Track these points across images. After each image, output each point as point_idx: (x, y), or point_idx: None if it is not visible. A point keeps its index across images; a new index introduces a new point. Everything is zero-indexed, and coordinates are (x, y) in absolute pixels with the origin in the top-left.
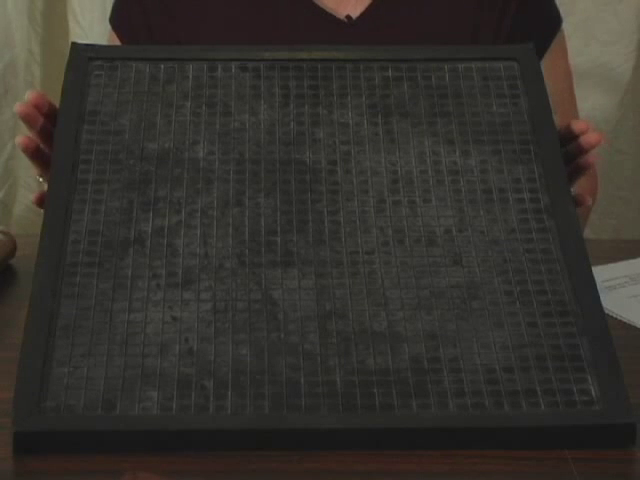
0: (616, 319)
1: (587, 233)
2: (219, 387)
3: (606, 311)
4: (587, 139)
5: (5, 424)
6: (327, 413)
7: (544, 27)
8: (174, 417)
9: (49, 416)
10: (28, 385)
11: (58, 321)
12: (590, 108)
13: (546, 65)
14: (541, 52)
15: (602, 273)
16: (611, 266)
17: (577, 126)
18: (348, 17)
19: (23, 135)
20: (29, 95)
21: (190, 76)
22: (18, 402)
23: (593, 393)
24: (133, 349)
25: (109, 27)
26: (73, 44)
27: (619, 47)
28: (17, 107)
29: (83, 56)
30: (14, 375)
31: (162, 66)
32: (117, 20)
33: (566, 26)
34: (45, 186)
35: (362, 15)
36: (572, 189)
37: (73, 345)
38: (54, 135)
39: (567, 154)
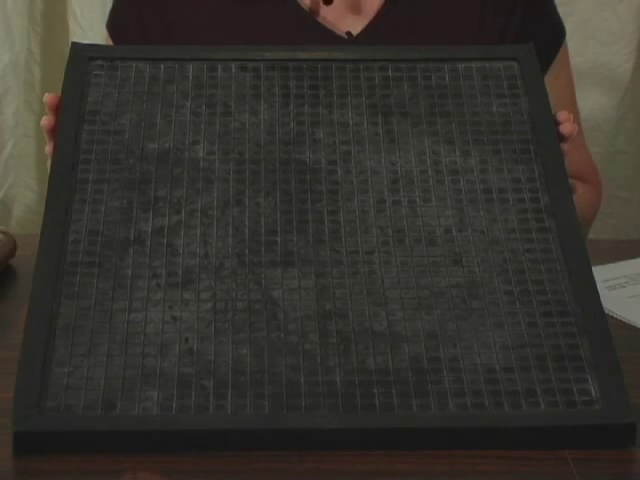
0: (616, 319)
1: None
2: (219, 387)
3: (606, 311)
4: (562, 128)
5: (5, 424)
6: (327, 413)
7: (548, 41)
8: (174, 417)
9: (49, 416)
10: (28, 385)
11: (58, 321)
12: (590, 108)
13: (551, 76)
14: (546, 65)
15: (602, 273)
16: (611, 266)
17: (560, 115)
18: (348, 34)
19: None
20: (47, 98)
21: (190, 76)
22: (18, 402)
23: (593, 393)
24: (133, 349)
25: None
26: (73, 44)
27: (619, 47)
28: (44, 121)
29: (83, 56)
30: (14, 375)
31: (162, 66)
32: (113, 26)
33: (566, 26)
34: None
35: (362, 32)
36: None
37: (73, 345)
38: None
39: None
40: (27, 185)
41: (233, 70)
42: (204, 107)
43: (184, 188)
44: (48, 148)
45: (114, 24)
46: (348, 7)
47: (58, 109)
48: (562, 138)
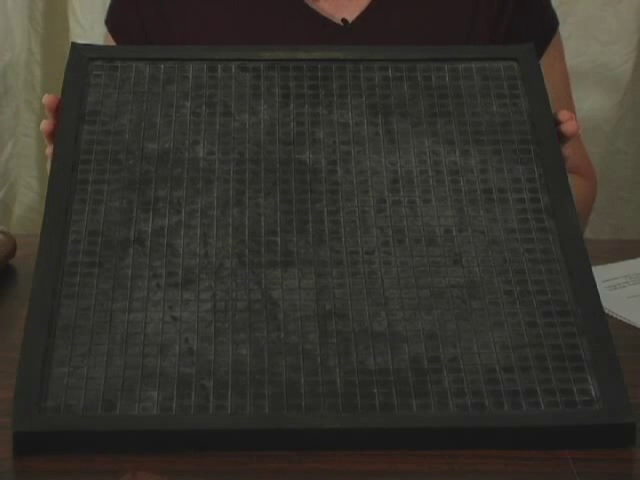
0: (616, 319)
1: (587, 233)
2: (219, 387)
3: (606, 311)
4: (565, 127)
5: (5, 424)
6: (327, 413)
7: (541, 30)
8: (174, 417)
9: (49, 416)
10: (28, 385)
11: (58, 321)
12: (590, 108)
13: (543, 68)
14: (538, 55)
15: (602, 273)
16: (611, 266)
17: (561, 115)
18: (344, 21)
19: (45, 121)
20: (46, 99)
21: (190, 76)
22: (18, 402)
23: (593, 393)
24: (133, 349)
25: (106, 29)
26: (73, 44)
27: (619, 47)
28: (43, 125)
29: (83, 56)
30: (14, 375)
31: (162, 66)
32: (113, 23)
33: (566, 26)
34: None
35: (358, 19)
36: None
37: (73, 345)
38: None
39: None
40: (27, 185)
41: (233, 70)
42: (204, 107)
43: (184, 188)
44: (49, 150)
45: (113, 20)
46: None
47: (57, 110)
48: (564, 137)
